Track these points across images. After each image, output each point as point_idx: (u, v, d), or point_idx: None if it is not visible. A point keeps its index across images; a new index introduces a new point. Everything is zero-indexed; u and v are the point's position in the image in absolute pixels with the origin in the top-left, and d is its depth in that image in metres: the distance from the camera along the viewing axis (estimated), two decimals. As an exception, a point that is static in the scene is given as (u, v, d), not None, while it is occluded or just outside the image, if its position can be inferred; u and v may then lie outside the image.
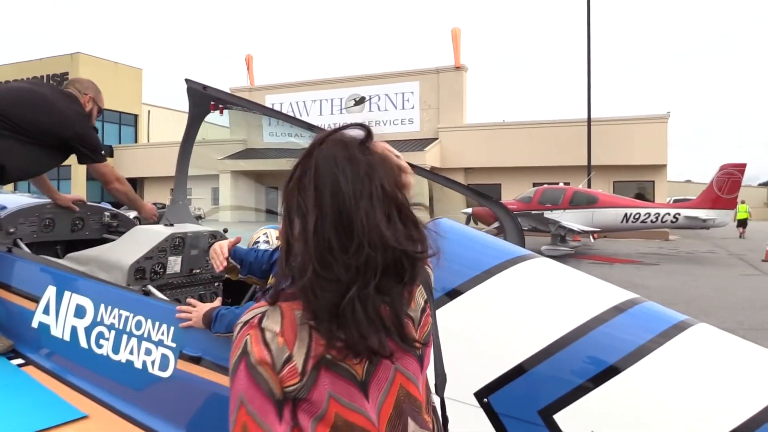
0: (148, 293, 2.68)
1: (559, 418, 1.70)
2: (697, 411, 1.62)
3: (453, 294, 1.92)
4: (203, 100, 3.52)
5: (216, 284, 3.40)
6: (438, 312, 1.89)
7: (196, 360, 2.31)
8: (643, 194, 28.23)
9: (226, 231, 3.45)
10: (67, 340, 2.65)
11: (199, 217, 3.76)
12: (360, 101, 36.05)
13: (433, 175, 2.93)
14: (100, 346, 2.55)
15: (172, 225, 3.20)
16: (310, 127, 3.12)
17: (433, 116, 34.07)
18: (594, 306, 1.93)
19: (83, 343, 2.60)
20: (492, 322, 1.89)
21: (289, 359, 1.06)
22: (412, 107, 34.98)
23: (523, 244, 2.65)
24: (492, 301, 1.93)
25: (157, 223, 3.55)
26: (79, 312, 2.65)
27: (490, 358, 1.83)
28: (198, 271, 3.25)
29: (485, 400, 1.79)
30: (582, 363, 1.76)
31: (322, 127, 3.15)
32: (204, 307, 2.37)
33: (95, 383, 2.55)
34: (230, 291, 3.43)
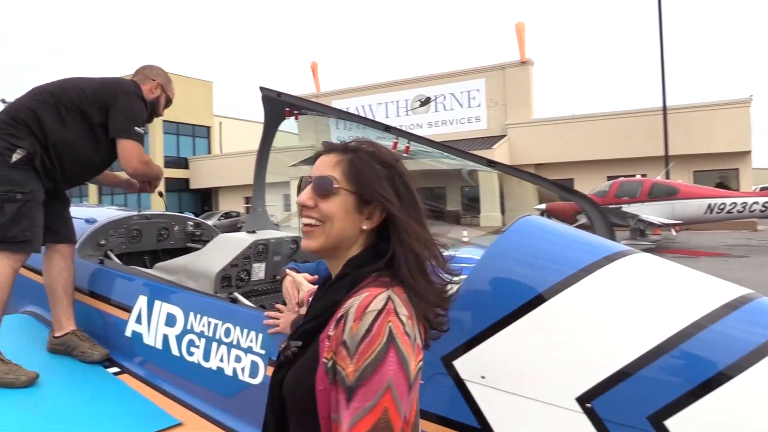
0: (235, 300, 2.69)
1: (671, 424, 1.58)
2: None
3: (549, 293, 1.82)
4: (278, 106, 3.55)
5: None
6: (533, 312, 1.80)
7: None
8: (725, 183, 26.90)
9: (306, 236, 3.44)
10: (160, 348, 2.70)
11: (275, 225, 3.80)
12: (425, 102, 35.95)
13: (515, 170, 2.84)
14: (191, 354, 2.58)
15: (254, 232, 3.23)
16: (386, 128, 3.08)
17: (500, 113, 33.59)
18: (703, 303, 1.79)
19: (175, 351, 2.64)
20: (592, 322, 1.77)
21: (416, 339, 1.21)
22: (479, 105, 34.60)
23: (613, 240, 2.52)
24: (591, 300, 1.82)
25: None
26: (170, 320, 2.69)
27: (592, 360, 1.72)
28: (281, 277, 3.26)
29: (588, 405, 1.68)
30: (694, 365, 1.63)
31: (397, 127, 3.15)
32: (290, 315, 2.36)
33: (188, 390, 2.58)
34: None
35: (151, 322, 2.76)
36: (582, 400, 1.67)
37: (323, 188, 1.33)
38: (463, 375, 1.82)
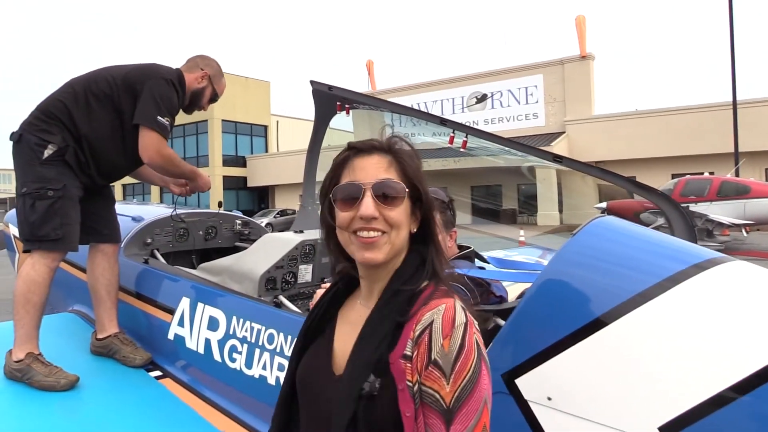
0: (279, 305, 2.55)
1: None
2: None
3: (627, 306, 1.59)
4: (329, 100, 3.40)
5: None
6: (608, 327, 1.57)
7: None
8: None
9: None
10: (202, 353, 2.58)
11: None
12: (482, 99, 35.50)
13: (583, 165, 2.59)
14: (233, 360, 2.46)
15: (302, 232, 3.08)
16: (442, 121, 2.89)
17: (559, 109, 32.85)
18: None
19: (217, 357, 2.52)
20: (679, 341, 1.53)
21: None
22: (536, 101, 33.96)
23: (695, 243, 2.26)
24: (678, 315, 1.58)
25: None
26: (212, 324, 2.57)
27: (680, 385, 1.48)
28: (329, 279, 3.11)
29: (673, 436, 1.45)
30: None
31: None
32: None
33: (230, 398, 2.46)
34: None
35: (194, 326, 2.65)
36: (666, 430, 1.43)
37: (391, 195, 1.23)
38: (526, 395, 1.61)
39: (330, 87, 3.35)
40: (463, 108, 35.93)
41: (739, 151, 24.73)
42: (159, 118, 2.73)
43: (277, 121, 47.70)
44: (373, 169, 1.23)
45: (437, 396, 1.09)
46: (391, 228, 1.22)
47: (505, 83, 34.71)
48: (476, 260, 2.54)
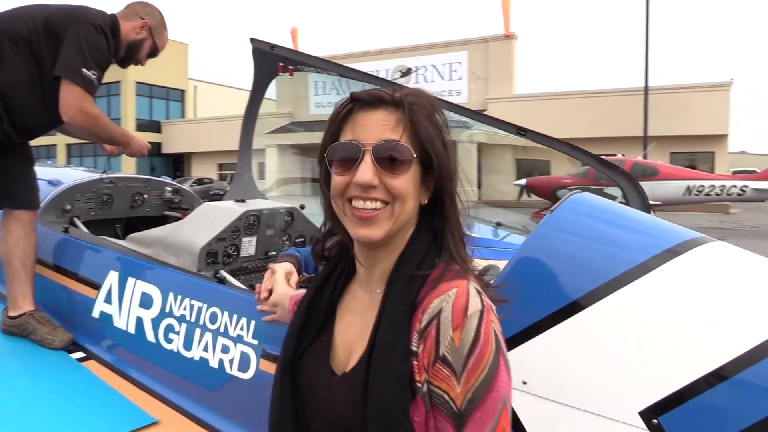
0: (222, 280, 2.34)
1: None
2: None
3: (609, 287, 1.51)
4: (271, 61, 3.15)
5: None
6: (589, 309, 1.49)
7: (281, 359, 1.97)
8: (695, 166, 27.00)
9: (303, 207, 3.10)
10: (132, 333, 2.34)
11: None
12: (406, 72, 35.48)
13: (548, 139, 2.50)
14: (169, 341, 2.23)
15: (243, 201, 2.85)
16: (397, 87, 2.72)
17: (482, 87, 33.34)
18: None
19: (150, 337, 2.29)
20: (662, 323, 1.47)
21: None
22: (460, 78, 34.30)
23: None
24: (662, 296, 1.51)
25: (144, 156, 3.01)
26: (145, 301, 2.33)
27: (662, 369, 1.42)
28: (274, 253, 2.90)
29: (654, 421, 1.39)
30: None
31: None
32: (288, 295, 2.02)
33: (165, 383, 2.24)
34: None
35: (123, 303, 2.40)
36: (647, 414, 1.39)
37: (396, 160, 1.03)
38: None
39: (272, 46, 3.11)
40: (387, 81, 35.82)
41: (648, 135, 25.91)
42: (84, 70, 2.38)
43: (195, 86, 46.12)
44: (377, 127, 1.04)
45: (446, 397, 0.95)
46: (394, 199, 1.04)
47: (430, 58, 34.82)
48: None
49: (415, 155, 1.03)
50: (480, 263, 1.15)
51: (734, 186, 19.29)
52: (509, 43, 32.94)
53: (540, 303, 1.52)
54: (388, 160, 1.02)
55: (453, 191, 1.09)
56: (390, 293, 1.04)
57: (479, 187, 31.54)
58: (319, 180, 1.15)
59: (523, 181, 20.67)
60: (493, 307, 1.00)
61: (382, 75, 35.90)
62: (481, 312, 0.96)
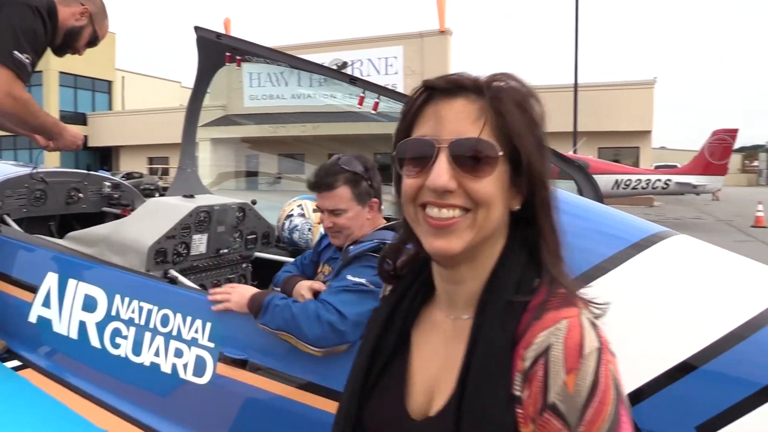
0: (173, 280, 2.22)
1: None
2: None
3: (584, 280, 1.49)
4: (217, 50, 3.02)
5: (244, 265, 2.95)
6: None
7: (239, 363, 1.89)
8: (620, 161, 28.04)
9: (254, 203, 2.99)
10: (75, 339, 2.19)
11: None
12: (342, 66, 35.20)
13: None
14: (116, 346, 2.10)
15: (192, 197, 2.72)
16: (352, 80, 2.65)
17: (417, 82, 31.27)
18: (761, 296, 1.54)
19: (95, 342, 2.15)
20: (632, 316, 1.47)
21: None
22: (396, 72, 34.37)
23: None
24: (630, 290, 1.51)
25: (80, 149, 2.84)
26: (89, 304, 2.19)
27: (631, 360, 1.42)
28: (225, 251, 2.79)
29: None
30: (751, 369, 1.37)
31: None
32: (247, 289, 1.94)
33: (112, 391, 2.11)
34: (258, 273, 3.00)
35: (64, 306, 2.24)
36: None
37: (477, 159, 0.84)
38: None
39: (218, 35, 2.98)
40: (323, 75, 35.55)
41: (578, 131, 26.69)
42: (16, 53, 2.22)
43: (123, 77, 44.45)
44: (454, 120, 0.85)
45: None
46: (477, 205, 0.85)
47: (366, 52, 34.77)
48: None
49: (501, 152, 0.85)
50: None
51: (659, 180, 20.11)
52: (444, 39, 33.25)
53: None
54: (468, 159, 0.84)
55: (547, 196, 0.90)
56: (482, 322, 0.85)
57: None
58: (395, 180, 0.96)
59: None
60: (609, 343, 0.81)
61: (318, 68, 35.58)
62: (600, 350, 0.77)
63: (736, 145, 20.93)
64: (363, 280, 1.79)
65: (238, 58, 3.01)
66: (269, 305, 1.81)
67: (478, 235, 0.86)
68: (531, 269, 0.88)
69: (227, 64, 3.09)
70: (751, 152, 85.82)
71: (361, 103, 2.62)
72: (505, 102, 0.86)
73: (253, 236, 2.95)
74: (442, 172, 0.83)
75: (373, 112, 2.61)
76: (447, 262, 0.89)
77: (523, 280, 0.87)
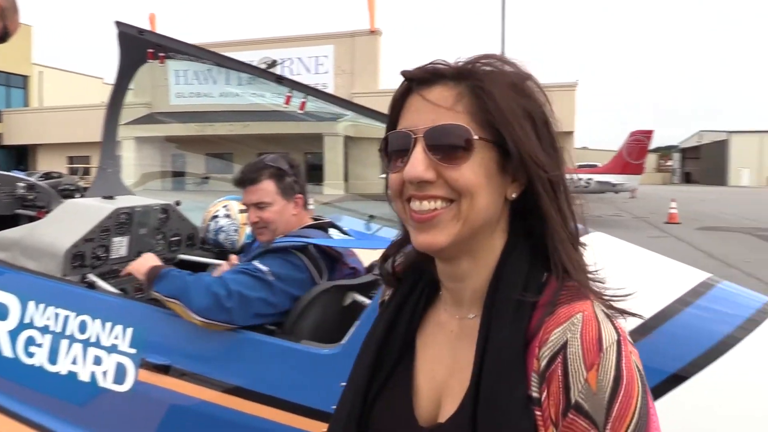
0: (92, 285, 2.14)
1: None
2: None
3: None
4: (138, 46, 2.92)
5: None
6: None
7: (162, 369, 1.84)
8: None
9: (178, 204, 2.91)
10: (-16, 348, 2.08)
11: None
12: (272, 65, 34.70)
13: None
14: (30, 355, 2.01)
15: (112, 198, 2.62)
16: (278, 79, 2.62)
17: (348, 81, 33.57)
18: (669, 289, 1.62)
19: (7, 352, 2.05)
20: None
21: None
22: (326, 72, 34.31)
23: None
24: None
25: None
26: (0, 312, 2.08)
27: None
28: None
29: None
30: (660, 358, 1.45)
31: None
32: (151, 258, 2.00)
33: (26, 402, 2.01)
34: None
35: (-28, 314, 2.12)
36: None
37: (452, 146, 0.80)
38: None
39: (141, 30, 2.88)
40: (252, 73, 35.07)
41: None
42: None
43: (41, 72, 42.49)
44: (431, 108, 0.81)
45: None
46: (460, 195, 0.80)
47: (296, 51, 34.54)
48: (336, 232, 2.35)
49: (477, 136, 0.79)
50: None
51: (580, 179, 20.85)
52: (374, 39, 33.41)
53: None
54: (444, 146, 0.80)
55: (553, 180, 0.82)
56: (491, 321, 0.81)
57: (346, 180, 31.80)
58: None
59: (389, 175, 21.06)
60: (627, 333, 0.77)
61: (246, 66, 35.03)
62: (619, 342, 0.74)
63: (652, 146, 21.95)
64: (265, 269, 1.84)
65: (161, 55, 2.93)
66: (166, 274, 1.86)
67: (466, 226, 0.81)
68: (538, 262, 0.84)
69: (149, 60, 3.01)
70: (665, 152, 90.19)
71: (288, 102, 2.61)
72: (489, 84, 0.81)
73: (177, 238, 2.88)
74: (416, 163, 0.80)
75: (300, 111, 2.60)
76: (439, 256, 0.87)
77: (531, 275, 0.83)
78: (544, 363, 0.75)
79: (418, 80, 0.85)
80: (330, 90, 33.98)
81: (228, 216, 2.97)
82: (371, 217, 4.52)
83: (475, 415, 0.77)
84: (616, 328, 0.76)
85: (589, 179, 20.80)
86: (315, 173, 33.10)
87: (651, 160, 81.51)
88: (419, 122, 0.81)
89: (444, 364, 0.88)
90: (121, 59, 3.05)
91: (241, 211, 2.91)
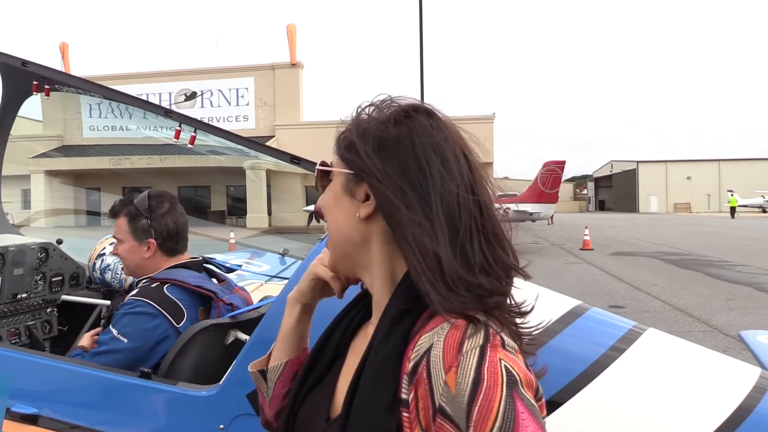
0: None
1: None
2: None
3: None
4: (23, 79, 2.81)
5: (49, 310, 2.71)
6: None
7: (30, 419, 1.72)
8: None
9: (60, 242, 2.78)
10: None
11: (14, 226, 3.01)
12: (191, 96, 34.41)
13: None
14: None
15: None
16: (167, 112, 2.56)
17: (269, 113, 33.47)
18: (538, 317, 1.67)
19: None
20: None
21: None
22: (247, 104, 34.14)
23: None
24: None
25: None
26: None
27: None
28: (24, 295, 2.56)
29: None
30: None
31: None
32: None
33: None
34: (67, 317, 2.78)
35: None
36: None
37: (318, 175, 1.00)
38: None
39: (24, 62, 2.77)
40: (170, 105, 34.38)
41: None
42: None
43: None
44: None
45: None
46: (324, 216, 0.99)
47: (216, 83, 34.22)
48: (215, 270, 2.27)
49: (331, 162, 0.98)
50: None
51: (499, 207, 21.44)
52: (295, 71, 33.54)
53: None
54: (317, 178, 1.01)
55: (388, 203, 0.85)
56: (379, 329, 0.85)
57: (269, 213, 31.44)
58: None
59: (311, 207, 20.98)
60: (509, 344, 0.78)
61: (165, 98, 34.38)
62: (483, 347, 0.74)
63: (569, 175, 22.87)
64: (115, 332, 1.86)
65: (46, 87, 2.83)
66: None
67: (332, 246, 0.97)
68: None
69: (35, 93, 2.90)
70: (581, 181, 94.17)
71: (177, 136, 2.56)
72: (354, 120, 0.96)
73: (59, 278, 2.74)
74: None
75: (190, 145, 2.55)
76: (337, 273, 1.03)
77: (411, 291, 0.84)
78: (411, 365, 0.77)
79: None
80: (252, 122, 33.80)
81: (115, 254, 2.86)
82: (284, 252, 4.46)
83: (349, 414, 0.82)
84: (487, 335, 0.76)
85: (507, 208, 21.26)
86: (239, 206, 32.62)
87: (568, 188, 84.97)
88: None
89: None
90: (4, 91, 2.93)
91: None
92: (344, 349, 1.00)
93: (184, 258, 2.17)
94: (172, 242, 2.12)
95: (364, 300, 1.01)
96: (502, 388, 0.71)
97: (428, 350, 0.76)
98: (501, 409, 0.70)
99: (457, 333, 0.76)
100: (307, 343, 1.13)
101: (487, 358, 0.73)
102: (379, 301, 0.91)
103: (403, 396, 0.77)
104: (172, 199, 2.18)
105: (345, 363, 0.97)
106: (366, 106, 0.95)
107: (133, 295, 1.93)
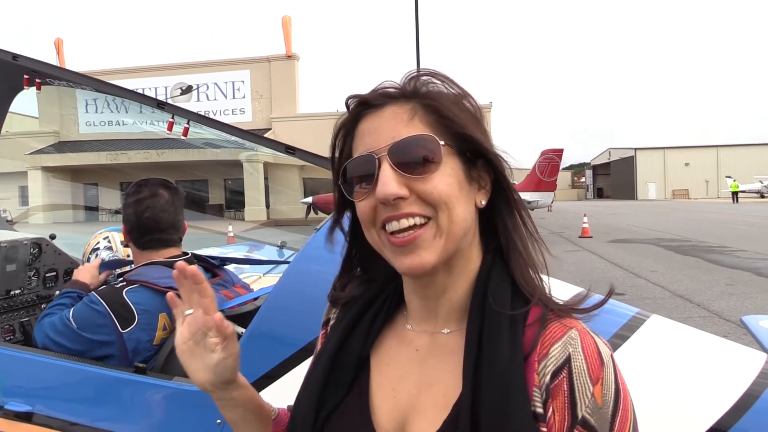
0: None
1: None
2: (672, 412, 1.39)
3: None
4: (14, 73, 2.78)
5: (43, 306, 2.69)
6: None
7: (24, 417, 1.70)
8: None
9: (53, 237, 2.75)
10: None
11: (10, 222, 2.98)
12: (187, 90, 34.34)
13: (316, 157, 2.46)
14: None
15: None
16: (159, 104, 2.53)
17: (266, 106, 33.39)
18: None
19: None
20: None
21: None
22: (243, 96, 34.06)
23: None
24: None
25: None
26: None
27: None
28: (18, 291, 2.53)
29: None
30: None
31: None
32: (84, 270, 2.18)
33: None
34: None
35: None
36: None
37: (420, 158, 0.78)
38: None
39: (15, 56, 2.74)
40: (166, 99, 34.33)
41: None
42: None
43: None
44: (387, 127, 0.80)
45: None
46: (436, 210, 0.78)
47: (212, 76, 34.15)
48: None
49: (443, 142, 0.78)
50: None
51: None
52: (291, 63, 33.44)
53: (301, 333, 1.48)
54: (411, 160, 0.78)
55: (509, 187, 0.83)
56: (480, 334, 0.77)
57: (267, 206, 31.43)
58: (336, 209, 0.90)
59: (309, 199, 21.00)
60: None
61: (161, 92, 34.31)
62: (612, 357, 0.76)
63: (567, 163, 22.87)
64: (69, 314, 1.84)
65: (37, 81, 2.79)
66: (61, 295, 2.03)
67: (449, 241, 0.79)
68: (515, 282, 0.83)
69: (26, 87, 2.86)
70: (579, 169, 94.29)
71: (170, 128, 2.52)
72: (438, 98, 0.81)
73: (53, 273, 2.72)
74: (387, 181, 0.77)
75: (183, 137, 2.51)
76: (426, 277, 0.82)
77: (515, 293, 0.81)
78: (547, 378, 0.73)
79: (366, 105, 0.83)
80: (248, 114, 33.71)
81: (110, 248, 2.81)
82: (282, 244, 4.45)
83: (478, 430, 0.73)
84: (605, 343, 0.77)
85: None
86: (237, 199, 32.62)
87: (566, 177, 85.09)
88: (379, 142, 0.79)
89: (408, 382, 0.84)
90: (-6, 86, 2.89)
91: (123, 243, 2.76)
92: (366, 359, 0.89)
93: (169, 254, 2.00)
94: (147, 236, 1.96)
95: (373, 306, 0.91)
96: (630, 397, 0.75)
97: (567, 361, 0.73)
98: (633, 418, 0.75)
99: (591, 343, 0.75)
100: (269, 408, 0.98)
101: (617, 368, 0.75)
102: (454, 303, 0.84)
103: (539, 410, 0.73)
104: (155, 189, 1.99)
105: (376, 374, 0.87)
106: (430, 76, 0.84)
107: (97, 290, 1.89)
